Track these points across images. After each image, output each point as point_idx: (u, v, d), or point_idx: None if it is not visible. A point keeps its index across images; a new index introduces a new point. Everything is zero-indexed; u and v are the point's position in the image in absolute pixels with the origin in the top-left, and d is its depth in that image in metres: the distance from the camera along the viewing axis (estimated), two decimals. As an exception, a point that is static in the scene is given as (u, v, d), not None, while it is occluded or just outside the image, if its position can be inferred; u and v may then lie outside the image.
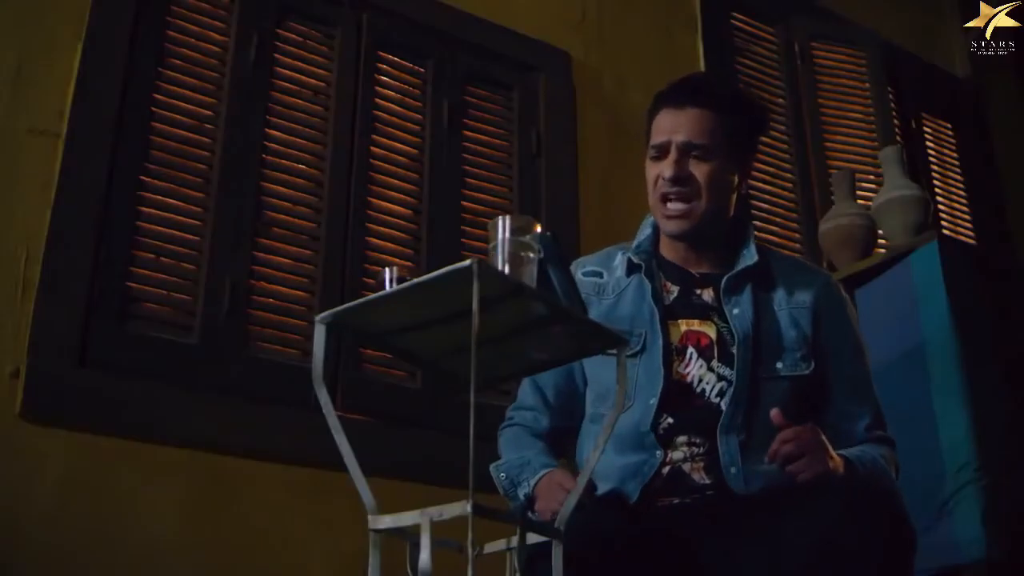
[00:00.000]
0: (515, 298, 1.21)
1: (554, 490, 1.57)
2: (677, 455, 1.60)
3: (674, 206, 1.68)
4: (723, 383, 1.62)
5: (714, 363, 1.64)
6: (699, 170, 1.67)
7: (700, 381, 1.64)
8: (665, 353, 1.65)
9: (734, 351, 1.64)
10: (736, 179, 1.73)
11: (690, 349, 1.66)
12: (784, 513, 1.41)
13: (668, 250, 1.77)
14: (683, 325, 1.68)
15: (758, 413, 1.59)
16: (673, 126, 1.68)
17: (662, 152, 1.69)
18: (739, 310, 1.67)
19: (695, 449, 1.60)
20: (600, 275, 1.79)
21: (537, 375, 1.77)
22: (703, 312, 1.69)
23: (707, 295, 1.71)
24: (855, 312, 1.83)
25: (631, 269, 1.75)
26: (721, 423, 1.59)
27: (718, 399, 1.62)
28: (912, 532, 1.40)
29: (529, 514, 1.61)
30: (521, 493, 1.65)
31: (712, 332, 1.67)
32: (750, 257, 1.72)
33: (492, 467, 1.72)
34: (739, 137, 1.72)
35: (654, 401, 1.62)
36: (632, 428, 1.62)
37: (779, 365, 1.65)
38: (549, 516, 1.50)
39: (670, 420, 1.62)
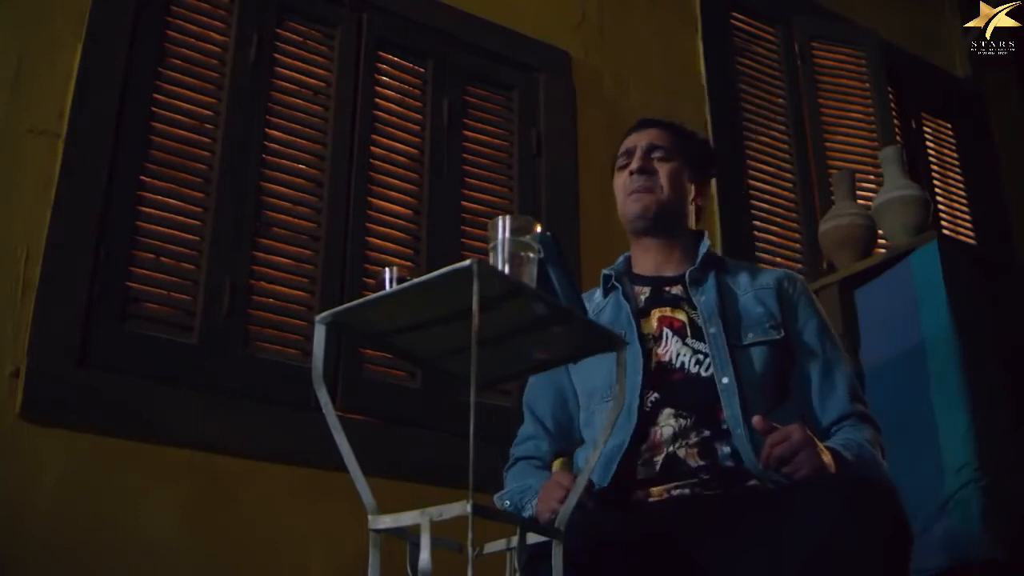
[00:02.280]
0: (515, 298, 1.21)
1: (553, 489, 1.59)
2: (666, 431, 1.64)
3: (639, 195, 1.84)
4: (699, 355, 1.72)
5: (688, 340, 1.74)
6: (661, 167, 1.86)
7: (678, 356, 1.73)
8: (643, 342, 1.75)
9: (704, 328, 1.74)
10: (693, 191, 1.90)
11: (665, 331, 1.76)
12: (783, 513, 1.41)
13: (640, 264, 1.91)
14: (656, 314, 1.79)
15: (742, 379, 1.67)
16: (638, 138, 1.91)
17: (628, 156, 1.88)
18: (704, 296, 1.79)
19: (683, 421, 1.65)
20: None
21: (533, 407, 1.88)
22: (674, 302, 1.81)
23: (676, 290, 1.83)
24: (817, 299, 1.91)
25: (606, 291, 1.88)
26: (721, 390, 1.66)
27: (697, 368, 1.70)
28: (910, 530, 1.40)
29: None
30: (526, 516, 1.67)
31: (683, 317, 1.78)
32: (704, 247, 1.86)
33: (496, 497, 1.78)
34: (694, 158, 1.91)
35: (639, 377, 1.70)
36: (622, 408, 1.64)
37: (750, 335, 1.75)
38: (548, 515, 1.51)
39: (656, 395, 1.69)
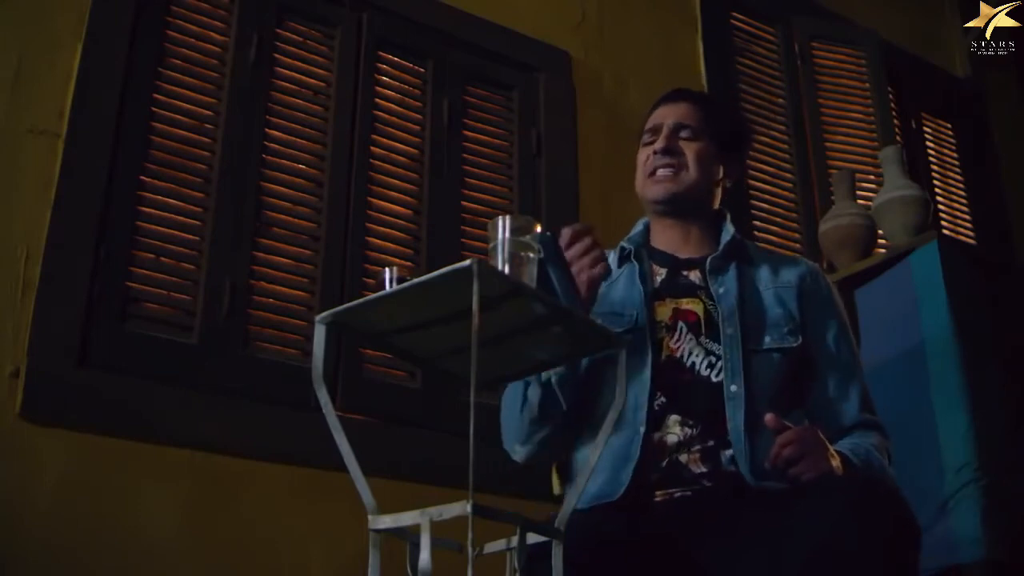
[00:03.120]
0: (515, 298, 1.21)
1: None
2: (671, 438, 1.61)
3: (662, 172, 1.78)
4: (712, 357, 1.66)
5: (702, 339, 1.68)
6: (688, 147, 1.79)
7: (690, 355, 1.67)
8: (654, 330, 1.69)
9: (721, 327, 1.68)
10: (721, 172, 1.83)
11: (680, 324, 1.70)
12: (784, 513, 1.41)
13: (657, 239, 1.84)
14: (671, 303, 1.73)
15: (752, 388, 1.63)
16: (666, 113, 1.83)
17: (655, 134, 1.81)
18: (724, 289, 1.72)
19: (688, 431, 1.61)
20: None
21: None
22: (690, 291, 1.74)
23: (694, 276, 1.76)
24: (840, 298, 1.86)
25: (622, 260, 1.82)
26: (727, 399, 1.61)
27: (708, 372, 1.65)
28: (915, 530, 1.39)
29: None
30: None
31: (699, 309, 1.71)
32: (728, 233, 1.80)
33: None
34: (725, 135, 1.84)
35: (648, 373, 1.65)
36: (627, 405, 1.61)
37: (767, 339, 1.69)
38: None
39: (663, 399, 1.64)
